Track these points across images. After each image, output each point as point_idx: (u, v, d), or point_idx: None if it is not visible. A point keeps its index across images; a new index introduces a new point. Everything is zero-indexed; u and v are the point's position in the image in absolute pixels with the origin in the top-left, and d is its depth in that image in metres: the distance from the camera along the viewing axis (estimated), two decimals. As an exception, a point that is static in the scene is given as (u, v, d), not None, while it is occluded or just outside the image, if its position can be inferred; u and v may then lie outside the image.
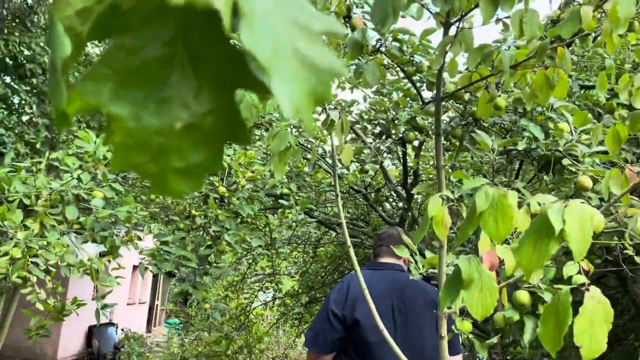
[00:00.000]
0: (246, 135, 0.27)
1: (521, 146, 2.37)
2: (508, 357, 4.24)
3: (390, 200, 5.55)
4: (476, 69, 1.44)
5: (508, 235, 0.92)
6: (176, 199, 0.30)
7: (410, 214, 4.80)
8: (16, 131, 5.86)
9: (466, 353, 7.52)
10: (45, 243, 1.92)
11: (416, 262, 2.15)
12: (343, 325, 2.12)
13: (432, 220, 1.07)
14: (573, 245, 0.74)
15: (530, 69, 1.41)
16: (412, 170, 4.60)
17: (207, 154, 0.27)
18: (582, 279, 0.87)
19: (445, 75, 2.63)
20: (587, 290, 0.75)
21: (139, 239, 2.65)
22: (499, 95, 2.25)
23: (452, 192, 1.72)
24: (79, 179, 2.58)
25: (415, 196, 5.11)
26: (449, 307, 1.34)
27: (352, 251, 1.79)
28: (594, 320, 0.73)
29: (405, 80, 4.05)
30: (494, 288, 0.93)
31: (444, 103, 2.88)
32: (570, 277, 0.94)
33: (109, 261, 2.16)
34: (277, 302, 7.90)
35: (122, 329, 10.58)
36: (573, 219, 0.76)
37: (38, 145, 5.66)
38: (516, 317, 1.89)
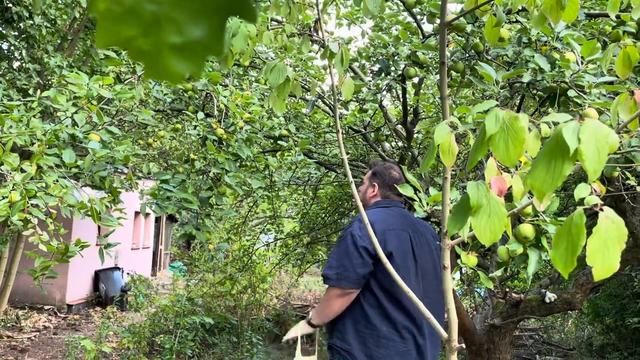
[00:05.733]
0: (251, 8, 0.24)
1: (526, 78, 2.30)
2: (507, 290, 4.34)
3: (390, 139, 5.51)
4: (483, -9, 1.36)
5: (519, 159, 0.89)
6: (174, 83, 0.27)
7: (410, 152, 4.77)
8: (7, 78, 5.73)
9: (465, 287, 7.71)
10: (44, 185, 1.89)
11: (420, 199, 2.13)
12: (373, 260, 2.09)
13: (439, 148, 1.04)
14: (588, 164, 0.71)
15: (540, -10, 1.34)
16: (412, 108, 4.53)
17: (206, 30, 0.23)
18: (594, 199, 0.85)
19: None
20: (601, 210, 0.73)
21: (139, 178, 2.62)
22: (505, 23, 2.16)
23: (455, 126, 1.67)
24: (74, 123, 2.52)
25: (415, 135, 5.06)
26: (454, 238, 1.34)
27: (354, 187, 1.77)
28: (607, 240, 0.71)
29: (405, 14, 3.92)
30: (503, 213, 0.91)
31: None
32: (582, 200, 0.92)
33: (110, 202, 2.14)
34: (279, 243, 8.02)
35: (128, 273, 10.81)
36: (589, 137, 0.73)
37: (30, 92, 5.55)
38: (520, 250, 1.89)
